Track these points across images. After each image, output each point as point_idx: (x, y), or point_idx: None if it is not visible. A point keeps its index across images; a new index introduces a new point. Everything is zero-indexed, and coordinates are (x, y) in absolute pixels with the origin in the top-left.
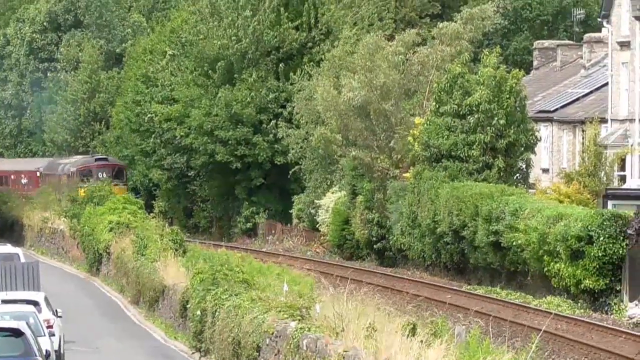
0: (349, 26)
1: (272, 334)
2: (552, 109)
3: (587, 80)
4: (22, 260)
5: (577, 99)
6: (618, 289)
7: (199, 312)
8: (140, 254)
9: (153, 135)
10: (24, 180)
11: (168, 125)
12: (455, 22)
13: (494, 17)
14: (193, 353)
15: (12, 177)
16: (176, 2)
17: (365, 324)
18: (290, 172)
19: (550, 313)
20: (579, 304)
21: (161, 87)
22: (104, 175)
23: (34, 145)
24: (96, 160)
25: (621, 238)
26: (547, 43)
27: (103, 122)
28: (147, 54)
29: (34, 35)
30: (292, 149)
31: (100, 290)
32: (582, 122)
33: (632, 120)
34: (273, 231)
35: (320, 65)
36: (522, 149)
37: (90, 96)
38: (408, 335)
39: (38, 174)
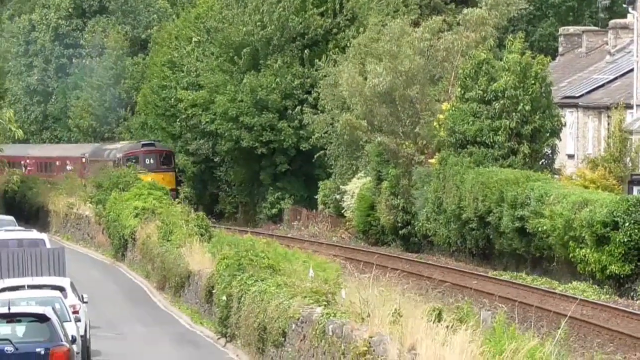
0: (375, 12)
1: (298, 319)
2: (577, 95)
3: (613, 66)
4: (48, 246)
5: (603, 85)
6: None
7: (224, 298)
8: (165, 239)
9: (179, 120)
10: (69, 167)
11: (193, 111)
12: (481, 8)
13: (519, 2)
14: (219, 338)
15: (57, 163)
16: None
17: (391, 309)
18: (315, 157)
19: (576, 298)
20: (605, 290)
21: (187, 73)
22: (151, 161)
23: (59, 131)
24: (143, 145)
25: None
26: (572, 29)
27: (128, 108)
28: (173, 39)
29: (59, 21)
30: (317, 133)
31: (125, 276)
32: (608, 108)
33: None
34: (298, 217)
35: (346, 51)
36: (548, 134)
37: (115, 82)
38: (434, 320)
39: (83, 159)
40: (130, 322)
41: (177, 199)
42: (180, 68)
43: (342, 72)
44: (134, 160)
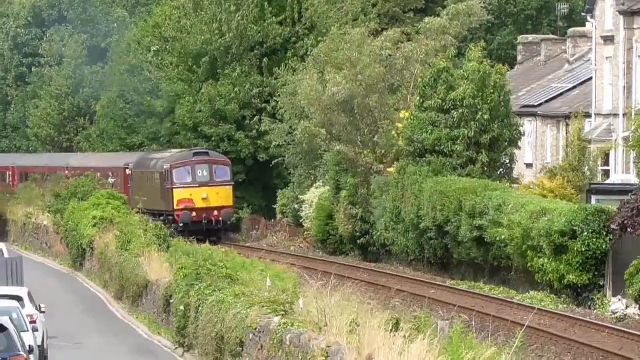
0: (335, 22)
1: (256, 329)
2: (536, 104)
3: (571, 75)
4: (6, 255)
5: (561, 94)
6: (601, 284)
7: (182, 308)
8: (124, 249)
9: (140, 129)
10: (111, 179)
11: (155, 120)
12: (441, 17)
13: (481, 14)
14: (176, 348)
15: (98, 174)
16: None
17: (349, 319)
18: (273, 163)
19: (534, 308)
20: (563, 299)
21: (147, 80)
22: (204, 172)
23: (17, 140)
24: (195, 154)
25: (605, 233)
26: (531, 38)
27: (87, 117)
28: (132, 47)
29: (18, 30)
30: (276, 142)
31: (83, 286)
32: (566, 117)
33: (616, 115)
34: (257, 226)
35: (305, 60)
36: (506, 144)
37: (74, 91)
38: (391, 330)
39: (128, 171)
40: (87, 332)
41: (231, 219)
42: (140, 73)
43: (301, 81)
44: (184, 172)
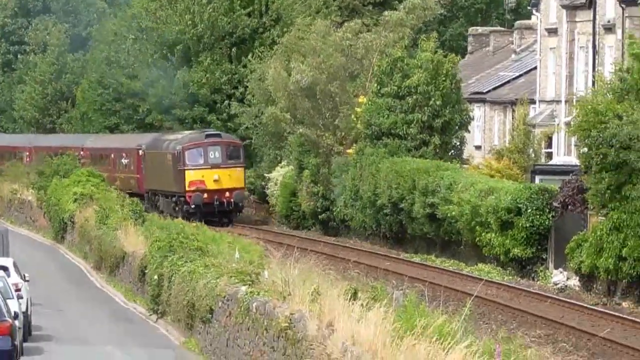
0: (301, 14)
1: (224, 297)
2: (484, 91)
3: (518, 64)
4: None
5: (508, 82)
6: (544, 257)
7: (156, 277)
8: (102, 223)
9: (117, 112)
10: (124, 160)
11: (133, 101)
12: (399, 11)
13: (435, 8)
14: (150, 315)
15: (112, 155)
16: None
17: (310, 288)
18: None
19: (482, 279)
20: (508, 271)
21: (123, 68)
22: (216, 154)
23: (4, 122)
24: (207, 136)
25: (547, 210)
26: (480, 30)
27: (69, 101)
28: (112, 36)
29: (6, 19)
30: (244, 124)
31: (65, 257)
32: (513, 103)
33: (558, 102)
34: None
35: (273, 48)
36: (457, 127)
37: (57, 77)
38: (350, 299)
39: (140, 152)
40: (68, 300)
41: (243, 200)
42: (118, 63)
43: (268, 68)
44: (196, 154)
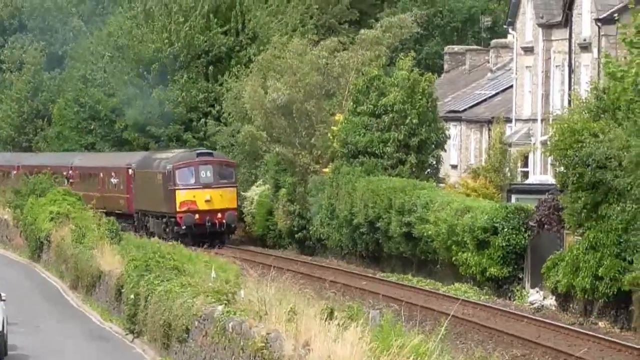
0: (278, 32)
1: (201, 317)
2: (461, 109)
3: (494, 82)
4: None
5: (484, 100)
6: (520, 276)
7: (132, 296)
8: (78, 242)
9: (93, 130)
10: (113, 180)
11: (109, 117)
12: (375, 29)
13: (411, 27)
14: (127, 334)
15: (101, 174)
16: (113, 8)
17: (287, 308)
18: None
19: (458, 299)
20: (484, 291)
21: (99, 87)
22: (207, 173)
23: None
24: (198, 155)
25: (523, 229)
26: (456, 48)
27: (45, 119)
28: (88, 55)
29: None
30: (220, 142)
31: (41, 276)
32: (489, 122)
33: (534, 120)
34: None
35: (249, 67)
36: (433, 146)
37: (33, 95)
38: (326, 318)
39: (130, 171)
40: (45, 319)
41: (235, 222)
42: (94, 82)
43: (245, 85)
44: (187, 173)
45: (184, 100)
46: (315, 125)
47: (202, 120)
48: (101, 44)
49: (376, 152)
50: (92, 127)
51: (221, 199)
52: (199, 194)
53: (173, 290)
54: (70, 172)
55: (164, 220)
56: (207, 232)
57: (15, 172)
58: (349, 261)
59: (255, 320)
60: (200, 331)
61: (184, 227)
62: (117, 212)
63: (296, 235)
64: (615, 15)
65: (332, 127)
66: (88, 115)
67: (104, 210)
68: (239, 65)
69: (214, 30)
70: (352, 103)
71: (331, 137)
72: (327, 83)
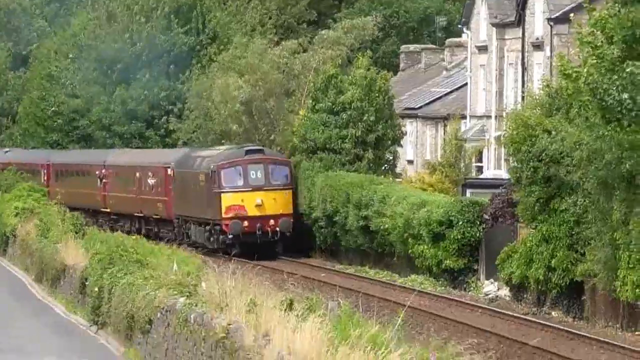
0: (238, 32)
1: (163, 308)
2: (417, 107)
3: (449, 80)
4: None
5: (440, 98)
6: (475, 268)
7: (96, 289)
8: (43, 236)
9: (57, 129)
10: (151, 180)
11: (73, 116)
12: (335, 30)
13: (373, 29)
14: (91, 326)
15: (137, 174)
16: (76, 9)
17: (247, 299)
18: None
19: (415, 290)
20: (440, 282)
21: (63, 86)
22: (258, 174)
23: None
24: (247, 152)
25: (478, 222)
26: (412, 47)
27: (10, 118)
28: (52, 55)
29: None
30: (182, 139)
31: (6, 269)
32: (444, 118)
33: (488, 117)
34: None
35: (210, 66)
36: (390, 142)
37: None
38: (286, 310)
39: (169, 171)
40: (10, 311)
41: (290, 230)
42: (58, 81)
43: (216, 79)
44: (234, 173)
45: (146, 98)
46: (275, 122)
47: (164, 117)
48: (65, 44)
49: (335, 148)
50: (56, 125)
51: (274, 203)
52: (248, 198)
53: (136, 283)
54: (104, 171)
55: (208, 227)
56: (257, 242)
57: (44, 170)
58: (308, 254)
59: (217, 312)
60: (162, 322)
61: (230, 236)
62: (154, 216)
63: None
64: (571, 14)
65: (292, 124)
66: (53, 113)
67: (141, 215)
68: (199, 65)
69: (175, 31)
70: (311, 101)
71: (291, 134)
72: (287, 81)
